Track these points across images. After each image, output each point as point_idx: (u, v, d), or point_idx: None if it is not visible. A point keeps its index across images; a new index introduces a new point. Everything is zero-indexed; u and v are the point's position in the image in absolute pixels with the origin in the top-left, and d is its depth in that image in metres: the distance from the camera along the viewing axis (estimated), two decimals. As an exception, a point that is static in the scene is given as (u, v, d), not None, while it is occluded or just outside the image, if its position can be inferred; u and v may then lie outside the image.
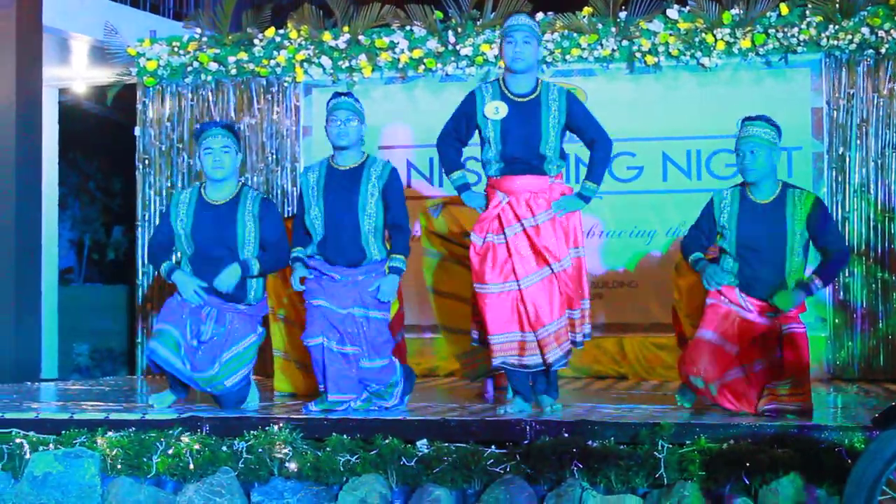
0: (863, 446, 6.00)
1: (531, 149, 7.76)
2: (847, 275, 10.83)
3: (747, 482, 6.27)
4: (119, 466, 6.97)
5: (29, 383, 11.40)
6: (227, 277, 8.09)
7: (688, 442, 6.50)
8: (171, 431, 7.12)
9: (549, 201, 7.74)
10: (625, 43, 11.48)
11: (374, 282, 7.95)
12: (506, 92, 7.84)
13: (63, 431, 7.27)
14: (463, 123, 8.03)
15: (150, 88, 12.78)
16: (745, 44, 11.16)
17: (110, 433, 7.15)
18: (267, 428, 7.00)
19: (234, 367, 8.15)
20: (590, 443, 6.60)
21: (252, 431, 7.00)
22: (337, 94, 8.28)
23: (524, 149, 7.75)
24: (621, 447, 6.54)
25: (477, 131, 7.97)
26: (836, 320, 10.95)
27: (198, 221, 8.27)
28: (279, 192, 12.32)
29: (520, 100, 7.82)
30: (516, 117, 7.74)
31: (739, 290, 7.59)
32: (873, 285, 10.87)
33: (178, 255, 8.53)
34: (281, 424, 7.04)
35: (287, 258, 8.32)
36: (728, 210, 7.74)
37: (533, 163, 7.78)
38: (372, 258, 8.01)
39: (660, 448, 6.43)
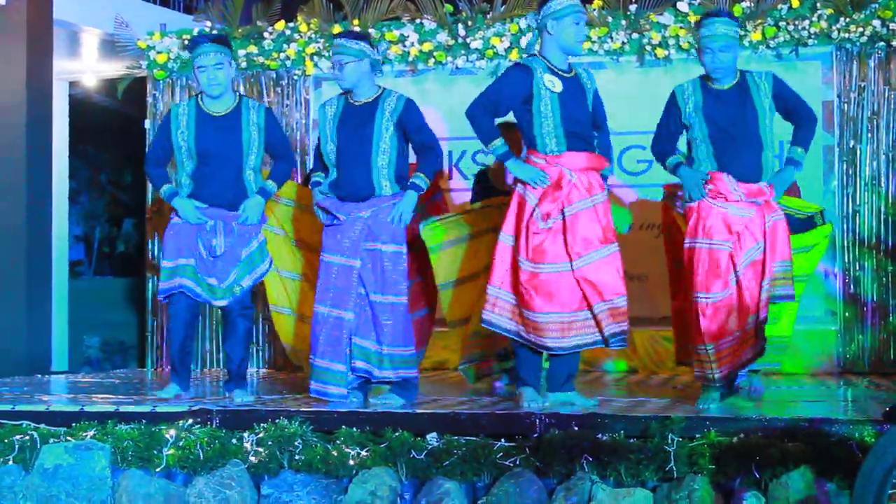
0: (873, 440, 5.99)
1: (585, 126, 7.74)
2: (857, 268, 10.83)
3: (757, 476, 6.26)
4: (129, 459, 6.97)
5: (40, 376, 11.45)
6: (252, 209, 8.26)
7: (697, 435, 6.49)
8: (181, 424, 7.13)
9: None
10: (635, 36, 11.47)
11: (388, 213, 8.00)
12: (553, 67, 7.72)
13: (73, 424, 7.27)
14: (506, 95, 7.72)
15: (161, 81, 12.81)
16: (756, 36, 11.15)
17: (121, 425, 7.16)
18: (277, 421, 7.00)
19: (247, 268, 8.31)
20: (600, 436, 6.59)
21: (262, 424, 7.01)
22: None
23: (581, 125, 7.70)
24: (631, 441, 6.54)
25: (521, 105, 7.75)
26: (847, 314, 10.92)
27: (200, 133, 8.32)
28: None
29: (566, 76, 7.76)
30: (569, 92, 7.66)
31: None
32: (884, 279, 10.85)
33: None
34: (291, 417, 7.05)
35: (291, 167, 8.72)
36: (693, 100, 7.78)
37: (589, 140, 7.77)
38: (381, 193, 8.03)
39: (670, 441, 6.42)
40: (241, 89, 12.52)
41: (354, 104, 8.14)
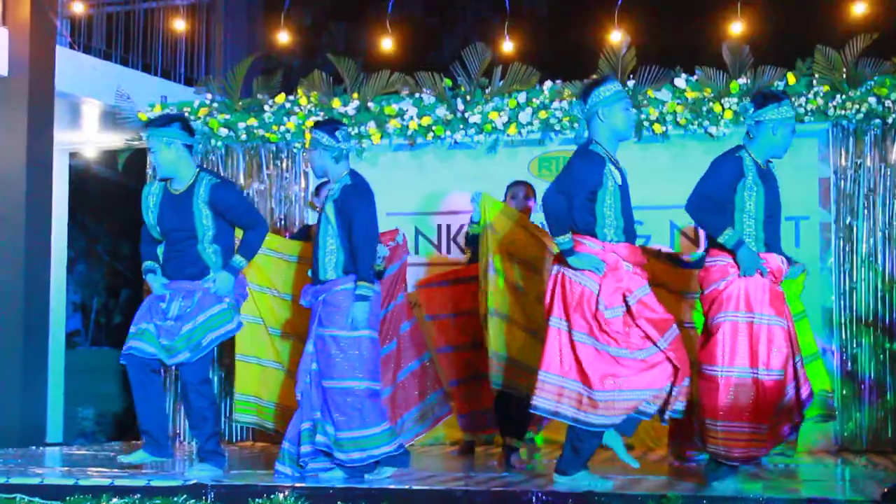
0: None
1: (632, 217, 7.75)
2: (855, 345, 10.79)
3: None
4: (124, 534, 6.95)
5: (34, 447, 11.37)
6: (221, 283, 8.43)
7: (700, 515, 6.47)
8: (175, 499, 7.09)
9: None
10: (633, 111, 11.49)
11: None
12: (610, 156, 7.71)
13: (68, 497, 7.22)
14: (580, 184, 7.58)
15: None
16: (754, 112, 11.16)
17: (115, 500, 7.12)
18: (272, 496, 6.96)
19: (198, 335, 8.40)
20: (599, 515, 6.57)
21: (257, 500, 6.96)
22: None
23: (632, 218, 7.72)
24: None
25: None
26: (844, 391, 10.86)
27: (162, 212, 8.54)
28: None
29: (618, 166, 7.76)
30: (625, 183, 7.69)
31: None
32: (881, 356, 10.78)
33: None
34: (286, 493, 7.01)
35: (264, 231, 8.76)
36: (752, 173, 7.80)
37: (636, 231, 7.81)
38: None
39: (672, 521, 6.40)
40: (241, 162, 12.54)
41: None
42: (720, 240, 7.64)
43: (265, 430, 9.82)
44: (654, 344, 7.43)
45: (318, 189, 10.19)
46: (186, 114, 12.53)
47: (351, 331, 8.15)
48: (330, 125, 8.61)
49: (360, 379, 8.15)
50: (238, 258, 8.50)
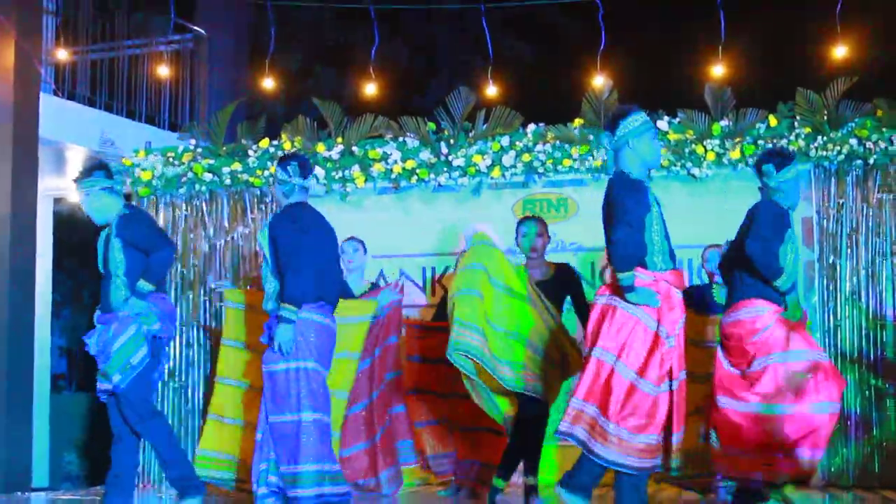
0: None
1: (670, 241, 7.74)
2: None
3: None
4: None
5: (19, 493, 11.31)
6: (131, 306, 8.85)
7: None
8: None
9: None
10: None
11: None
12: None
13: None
14: (638, 216, 7.52)
15: (145, 199, 12.78)
16: (735, 155, 11.17)
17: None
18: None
19: (118, 360, 8.81)
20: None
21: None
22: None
23: (670, 240, 7.70)
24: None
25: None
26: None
27: (98, 254, 9.20)
28: (272, 300, 12.25)
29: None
30: (660, 210, 7.69)
31: None
32: (866, 392, 10.76)
33: None
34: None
35: (167, 254, 8.98)
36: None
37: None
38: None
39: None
40: (226, 206, 12.53)
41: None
42: (778, 283, 8.06)
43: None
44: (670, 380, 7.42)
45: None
46: (170, 158, 12.55)
47: (279, 361, 8.17)
48: (283, 160, 8.72)
49: (293, 412, 8.14)
50: (141, 282, 8.75)
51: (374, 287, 10.71)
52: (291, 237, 8.28)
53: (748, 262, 8.11)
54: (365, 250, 10.79)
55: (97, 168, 9.00)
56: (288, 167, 8.54)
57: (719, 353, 8.44)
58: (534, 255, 9.67)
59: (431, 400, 10.39)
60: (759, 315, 8.05)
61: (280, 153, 12.24)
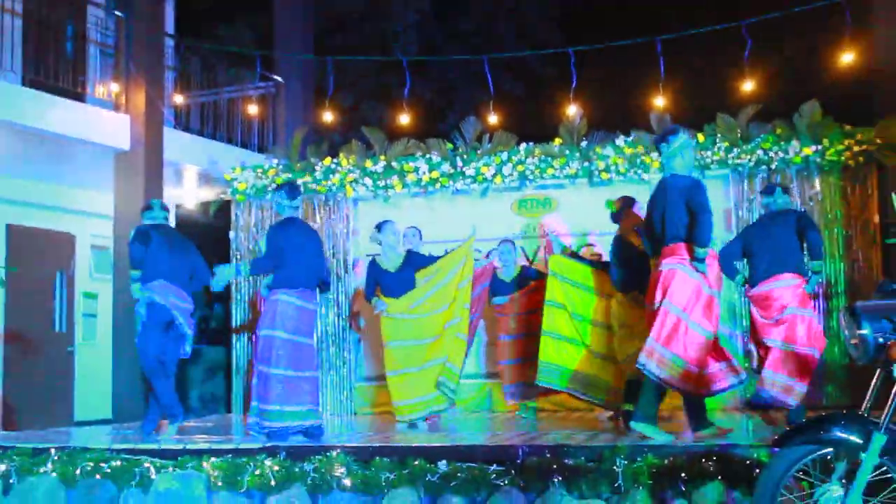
0: (767, 460, 5.93)
1: None
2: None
3: (683, 488, 6.22)
4: (220, 484, 6.94)
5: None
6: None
7: (639, 459, 6.44)
8: (257, 457, 7.09)
9: None
10: (585, 164, 11.51)
11: None
12: None
13: (179, 458, 7.24)
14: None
15: (241, 203, 12.83)
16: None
17: (213, 459, 7.12)
18: (328, 454, 6.96)
19: None
20: (566, 461, 6.54)
21: (317, 456, 6.96)
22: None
23: None
24: (590, 464, 6.49)
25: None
26: (746, 364, 10.74)
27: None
28: (334, 276, 12.31)
29: None
30: None
31: None
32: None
33: None
34: (338, 451, 7.00)
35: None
36: None
37: None
38: None
39: (618, 464, 6.38)
40: (300, 210, 12.54)
41: None
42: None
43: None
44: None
45: (378, 226, 10.12)
46: (259, 174, 12.58)
47: (263, 328, 8.35)
48: (279, 187, 8.80)
49: (266, 366, 8.23)
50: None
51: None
52: (273, 241, 8.41)
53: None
54: (421, 236, 10.64)
55: (279, 187, 8.79)
56: (280, 191, 8.63)
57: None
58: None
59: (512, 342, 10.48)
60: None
61: (339, 168, 12.29)
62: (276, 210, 8.90)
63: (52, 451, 7.52)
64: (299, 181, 12.29)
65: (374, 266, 9.86)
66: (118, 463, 7.23)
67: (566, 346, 8.87)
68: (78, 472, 7.23)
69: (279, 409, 8.13)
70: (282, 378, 8.17)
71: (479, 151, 11.96)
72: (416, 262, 9.96)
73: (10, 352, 12.70)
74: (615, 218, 9.01)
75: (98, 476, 7.18)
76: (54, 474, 7.27)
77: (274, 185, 12.33)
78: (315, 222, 12.47)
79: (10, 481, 7.35)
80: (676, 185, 7.58)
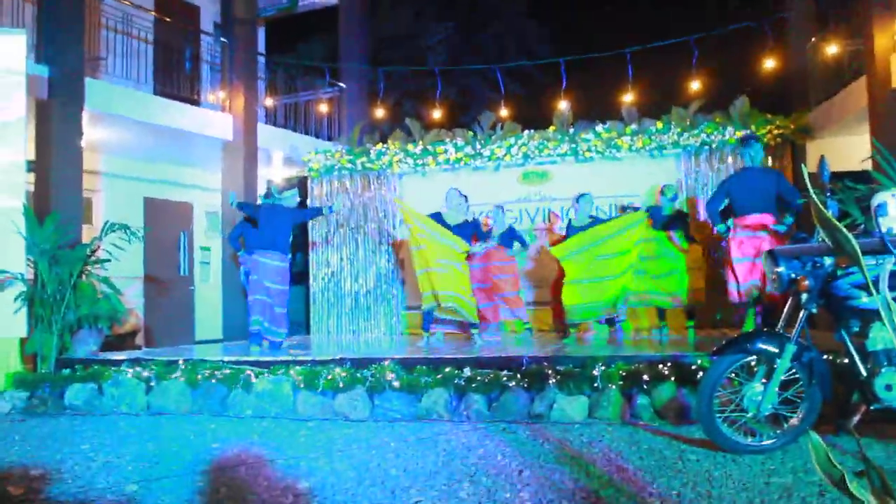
0: (708, 365, 5.95)
1: None
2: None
3: (645, 387, 6.24)
4: (302, 385, 7.01)
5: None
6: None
7: (612, 366, 6.47)
8: (330, 365, 7.16)
9: None
10: (573, 145, 11.44)
11: None
12: None
13: (272, 367, 7.33)
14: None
15: (314, 179, 12.85)
16: (639, 144, 11.09)
17: (297, 367, 7.20)
18: (382, 363, 7.02)
19: None
20: (559, 367, 6.58)
21: (373, 365, 7.03)
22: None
23: None
24: (576, 369, 6.52)
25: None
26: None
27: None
28: (385, 231, 12.34)
29: None
30: None
31: None
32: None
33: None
34: (388, 361, 7.06)
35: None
36: None
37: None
38: None
39: (597, 369, 6.41)
40: (359, 182, 12.55)
41: None
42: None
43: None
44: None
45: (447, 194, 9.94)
46: (328, 157, 12.58)
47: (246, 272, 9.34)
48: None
49: (250, 294, 9.15)
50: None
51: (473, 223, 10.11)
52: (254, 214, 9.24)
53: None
54: (466, 199, 9.95)
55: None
56: (270, 187, 9.35)
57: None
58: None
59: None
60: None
61: (388, 150, 12.26)
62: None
63: (181, 362, 7.65)
64: (359, 161, 12.31)
65: (438, 216, 9.54)
66: (228, 371, 7.35)
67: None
68: (199, 377, 7.34)
69: (257, 318, 9.07)
70: (257, 302, 9.08)
71: (492, 137, 11.90)
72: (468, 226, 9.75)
73: (149, 290, 12.86)
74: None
75: (214, 381, 7.29)
76: (182, 379, 7.39)
77: (339, 165, 12.37)
78: (370, 193, 12.48)
79: (151, 384, 7.47)
80: (767, 174, 8.09)
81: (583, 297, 8.79)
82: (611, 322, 9.68)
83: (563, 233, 9.88)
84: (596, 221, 9.51)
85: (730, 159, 10.85)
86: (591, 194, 9.75)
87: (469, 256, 9.62)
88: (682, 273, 8.90)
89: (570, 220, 9.79)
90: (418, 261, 9.07)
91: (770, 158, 10.65)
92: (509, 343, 9.03)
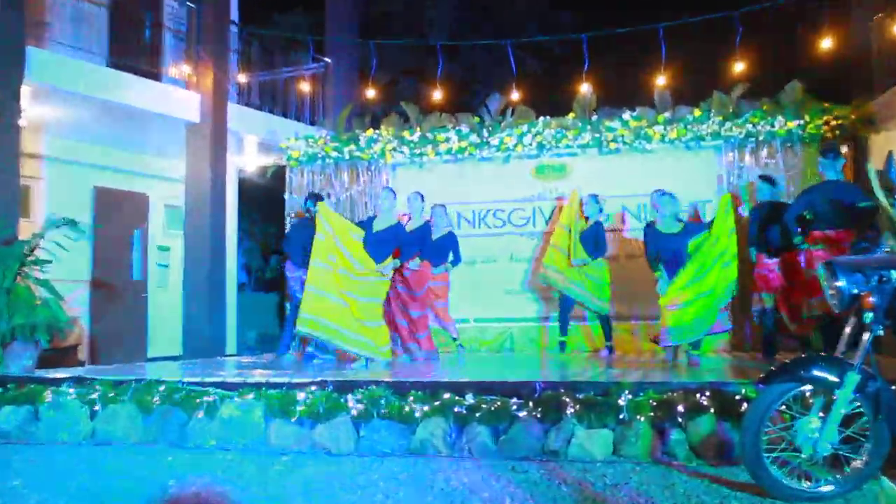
0: (753, 395, 5.88)
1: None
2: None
3: (680, 420, 6.17)
4: (275, 412, 6.92)
5: (218, 357, 11.44)
6: None
7: (641, 394, 6.39)
8: (308, 389, 7.08)
9: None
10: (596, 135, 11.42)
11: None
12: None
13: (240, 389, 7.24)
14: None
15: (294, 169, 12.82)
16: (673, 135, 11.09)
17: (270, 391, 7.12)
18: (370, 387, 6.95)
19: None
20: (578, 395, 6.51)
21: (360, 389, 6.95)
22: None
23: None
24: (598, 398, 6.44)
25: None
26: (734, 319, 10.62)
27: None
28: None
29: None
30: None
31: None
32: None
33: None
34: (378, 384, 6.99)
35: None
36: None
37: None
38: None
39: (622, 398, 6.34)
40: (346, 173, 12.53)
41: None
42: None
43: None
44: None
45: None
46: (310, 143, 12.56)
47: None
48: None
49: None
50: None
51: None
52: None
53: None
54: (423, 199, 10.27)
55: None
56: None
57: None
58: None
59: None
60: None
61: (380, 138, 12.24)
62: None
63: (132, 382, 7.57)
64: (346, 149, 12.29)
65: (369, 222, 9.67)
66: (187, 393, 7.25)
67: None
68: (154, 400, 7.26)
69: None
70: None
71: (502, 124, 11.90)
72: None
73: (95, 297, 12.81)
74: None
75: (171, 405, 7.20)
76: (133, 403, 7.30)
77: (323, 153, 12.36)
78: (359, 185, 12.45)
79: (96, 408, 7.39)
80: (849, 188, 8.31)
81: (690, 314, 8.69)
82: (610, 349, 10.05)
83: (641, 238, 9.76)
84: (690, 227, 9.11)
85: (779, 154, 10.82)
86: (672, 193, 9.35)
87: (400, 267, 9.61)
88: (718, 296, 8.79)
89: (651, 225, 9.35)
90: (316, 278, 8.70)
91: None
92: (518, 363, 8.97)
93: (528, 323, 11.52)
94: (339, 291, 8.60)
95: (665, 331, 8.66)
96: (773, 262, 8.96)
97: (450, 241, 10.29)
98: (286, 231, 11.84)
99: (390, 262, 9.00)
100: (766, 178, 9.41)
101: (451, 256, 10.29)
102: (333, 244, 8.69)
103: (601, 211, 10.26)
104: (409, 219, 10.06)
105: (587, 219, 10.33)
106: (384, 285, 8.97)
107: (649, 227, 9.25)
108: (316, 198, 9.90)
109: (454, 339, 10.53)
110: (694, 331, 8.65)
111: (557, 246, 10.47)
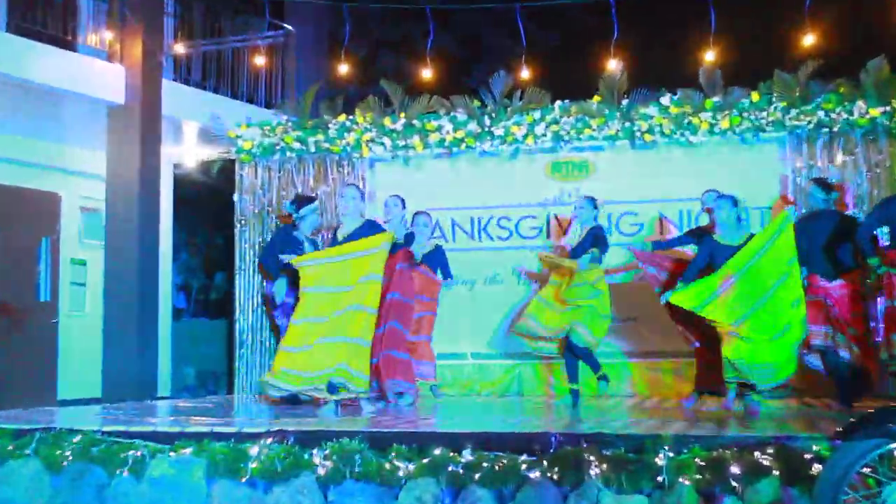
0: (828, 454, 5.86)
1: None
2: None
3: (734, 484, 6.15)
4: (221, 471, 6.89)
5: (147, 400, 11.39)
6: None
7: (684, 450, 6.37)
8: (262, 442, 7.05)
9: None
10: (627, 124, 11.45)
11: None
12: None
13: (176, 442, 7.20)
14: None
15: (246, 164, 12.81)
16: (724, 124, 11.12)
17: (214, 443, 7.08)
18: (342, 439, 6.92)
19: None
20: (604, 451, 6.48)
21: (328, 442, 6.92)
22: None
23: None
24: (630, 455, 6.42)
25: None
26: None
27: None
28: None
29: None
30: None
31: None
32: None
33: None
34: (352, 436, 6.96)
35: None
36: None
37: None
38: None
39: (661, 456, 6.32)
40: (311, 169, 12.54)
41: None
42: None
43: None
44: None
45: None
46: (266, 131, 12.58)
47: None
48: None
49: None
50: None
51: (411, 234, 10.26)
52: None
53: None
54: (404, 204, 10.51)
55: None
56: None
57: None
58: None
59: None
60: None
61: (355, 126, 12.25)
62: None
63: (37, 431, 7.52)
64: (311, 140, 12.29)
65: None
66: (108, 447, 7.21)
67: None
68: (66, 455, 7.20)
69: None
70: None
71: (508, 109, 11.92)
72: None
73: (-9, 323, 12.76)
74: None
75: (86, 461, 7.15)
76: (38, 458, 7.23)
77: (282, 144, 12.36)
78: (328, 184, 12.45)
79: (-9, 465, 7.35)
80: None
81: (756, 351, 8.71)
82: (604, 377, 9.98)
83: (686, 250, 9.94)
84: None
85: (859, 148, 10.85)
86: (734, 196, 9.27)
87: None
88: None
89: (705, 233, 9.40)
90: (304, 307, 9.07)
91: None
92: (528, 410, 8.95)
93: (541, 361, 11.47)
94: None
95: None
96: (834, 286, 8.97)
97: (437, 259, 10.36)
98: (262, 243, 11.81)
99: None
100: (821, 182, 9.42)
101: (439, 275, 10.35)
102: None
103: (595, 219, 10.12)
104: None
105: (578, 223, 10.19)
106: (374, 288, 8.94)
107: (705, 234, 9.25)
108: (307, 201, 10.00)
109: (431, 385, 10.73)
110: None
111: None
